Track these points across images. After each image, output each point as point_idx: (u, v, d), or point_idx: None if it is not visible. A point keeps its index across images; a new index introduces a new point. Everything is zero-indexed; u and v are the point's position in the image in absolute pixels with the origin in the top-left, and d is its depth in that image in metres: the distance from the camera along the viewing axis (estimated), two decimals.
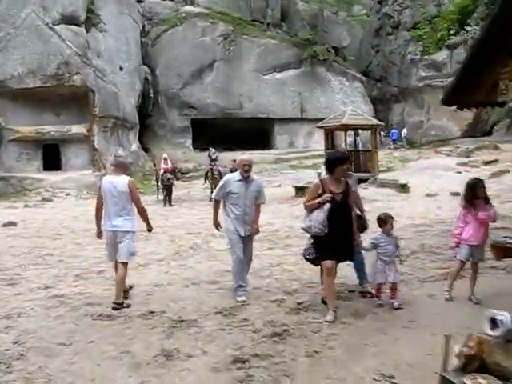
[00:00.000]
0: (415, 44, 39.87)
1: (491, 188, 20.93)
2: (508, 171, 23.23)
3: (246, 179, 6.71)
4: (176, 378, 4.37)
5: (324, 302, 6.05)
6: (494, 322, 3.10)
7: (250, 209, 6.74)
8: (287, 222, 14.07)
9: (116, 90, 30.05)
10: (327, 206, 5.62)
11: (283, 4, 41.55)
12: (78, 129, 28.56)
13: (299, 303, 6.18)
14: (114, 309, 6.30)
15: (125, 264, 6.81)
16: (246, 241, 6.86)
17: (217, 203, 7.02)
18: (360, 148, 25.25)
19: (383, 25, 45.33)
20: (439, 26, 37.71)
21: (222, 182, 6.93)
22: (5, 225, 16.05)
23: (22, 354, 4.95)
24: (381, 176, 22.09)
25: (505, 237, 6.63)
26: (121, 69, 31.47)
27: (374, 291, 6.39)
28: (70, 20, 28.34)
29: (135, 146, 32.64)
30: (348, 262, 6.41)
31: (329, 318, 5.60)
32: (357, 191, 6.96)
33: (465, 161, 30.68)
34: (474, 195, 6.34)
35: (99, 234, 7.06)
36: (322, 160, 31.74)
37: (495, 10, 7.14)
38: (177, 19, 37.39)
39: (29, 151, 28.57)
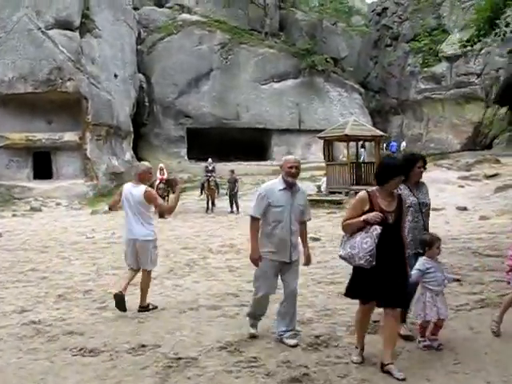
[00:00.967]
0: (415, 56, 39.31)
1: (498, 203, 20.39)
2: None
3: (291, 187, 5.26)
4: None
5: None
6: None
7: (295, 227, 5.27)
8: None
9: (110, 97, 29.20)
10: (377, 229, 4.33)
11: (281, 13, 40.97)
12: (70, 136, 27.68)
13: (317, 336, 5.24)
14: (139, 311, 6.50)
15: (149, 272, 6.82)
16: (290, 268, 5.31)
17: (256, 223, 5.24)
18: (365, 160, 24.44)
19: (382, 36, 44.86)
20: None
21: (260, 192, 5.32)
22: None
23: None
24: None
25: None
26: (115, 76, 30.65)
27: (408, 331, 5.31)
28: (63, 25, 27.55)
29: (129, 155, 31.75)
30: None
31: (356, 358, 4.64)
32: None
33: (466, 174, 29.98)
34: None
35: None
36: (320, 172, 31.08)
37: None
38: (173, 27, 36.67)
39: (19, 159, 27.68)
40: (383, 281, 4.43)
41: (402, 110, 41.24)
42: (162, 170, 21.22)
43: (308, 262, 5.57)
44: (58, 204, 25.51)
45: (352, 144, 22.27)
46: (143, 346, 5.09)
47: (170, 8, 39.62)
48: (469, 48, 35.08)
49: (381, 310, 4.70)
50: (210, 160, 22.04)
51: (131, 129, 32.20)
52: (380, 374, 4.26)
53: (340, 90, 39.12)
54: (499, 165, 31.47)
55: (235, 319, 6.01)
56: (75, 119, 27.83)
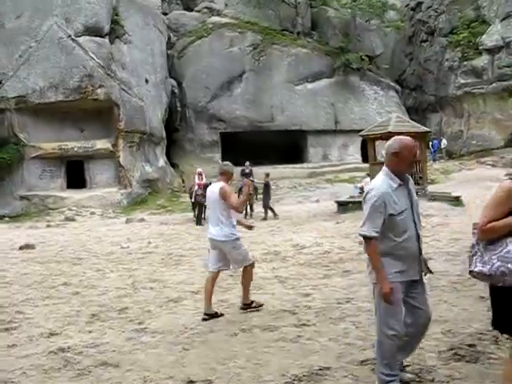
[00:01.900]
0: (453, 50, 37.80)
1: None
2: None
3: (405, 181, 3.98)
4: None
5: None
6: None
7: (420, 229, 4.02)
8: (337, 242, 12.20)
9: (142, 103, 28.68)
10: None
11: (313, 12, 39.98)
12: (102, 144, 27.22)
13: (405, 366, 4.24)
14: (242, 309, 6.45)
15: (243, 269, 6.61)
16: (418, 286, 3.99)
17: (374, 244, 3.82)
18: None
19: (417, 32, 43.53)
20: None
21: (373, 201, 3.83)
22: (21, 247, 14.62)
23: None
24: (429, 188, 20.08)
25: None
26: (146, 81, 30.13)
27: None
28: (93, 31, 27.10)
29: (162, 161, 31.19)
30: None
31: None
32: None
33: None
34: None
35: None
36: (359, 174, 29.97)
37: None
38: (203, 30, 36.07)
39: (52, 168, 27.34)
40: None
41: (440, 107, 39.78)
42: (200, 174, 20.34)
43: (429, 270, 4.12)
44: (92, 213, 25.02)
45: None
46: (191, 381, 4.18)
47: (198, 11, 39.07)
48: (511, 38, 34.01)
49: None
50: (247, 163, 21.17)
51: (164, 135, 31.65)
52: None
53: (376, 88, 37.91)
54: None
55: (298, 344, 5.05)
56: (107, 126, 27.38)
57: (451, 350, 4.51)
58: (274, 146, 33.75)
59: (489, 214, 3.29)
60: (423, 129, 19.48)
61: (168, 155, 32.83)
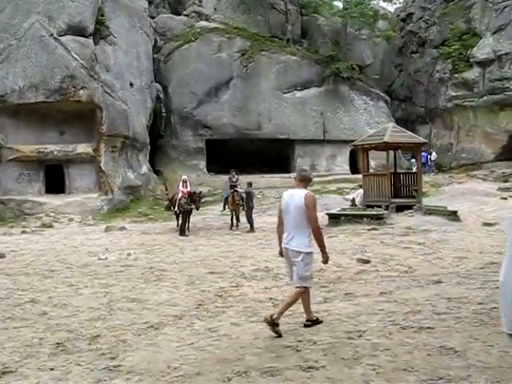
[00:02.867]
0: (444, 62, 37.31)
1: None
2: None
3: None
4: None
5: None
6: None
7: None
8: (332, 258, 11.28)
9: (125, 107, 27.60)
10: None
11: (303, 20, 39.36)
12: (83, 148, 26.13)
13: None
14: (265, 321, 5.75)
15: (297, 288, 6.03)
16: None
17: None
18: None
19: (407, 43, 43.02)
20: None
21: None
22: None
23: None
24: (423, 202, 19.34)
25: None
26: (131, 85, 29.11)
27: None
28: (76, 31, 26.06)
29: (146, 167, 30.13)
30: None
31: None
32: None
33: (507, 185, 28.08)
34: None
35: (280, 253, 6.53)
36: (347, 185, 29.23)
37: None
38: (191, 34, 35.17)
39: (30, 172, 26.21)
40: None
41: (430, 119, 39.23)
42: (185, 182, 19.32)
43: None
44: (70, 220, 23.91)
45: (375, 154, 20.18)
46: None
47: (187, 16, 38.24)
48: (503, 51, 33.59)
49: None
50: (233, 172, 20.16)
51: (148, 140, 30.61)
52: None
53: (366, 98, 37.28)
54: None
55: None
56: (89, 130, 26.32)
57: None
58: (261, 155, 32.91)
59: None
60: (420, 139, 18.72)
61: (151, 162, 31.79)
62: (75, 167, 26.58)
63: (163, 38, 36.37)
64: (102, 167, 26.22)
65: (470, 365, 4.32)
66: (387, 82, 43.42)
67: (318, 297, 7.71)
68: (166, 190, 29.79)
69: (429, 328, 5.54)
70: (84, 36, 26.31)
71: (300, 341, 5.37)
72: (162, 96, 33.47)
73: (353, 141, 33.27)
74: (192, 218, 19.21)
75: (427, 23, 40.68)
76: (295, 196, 6.18)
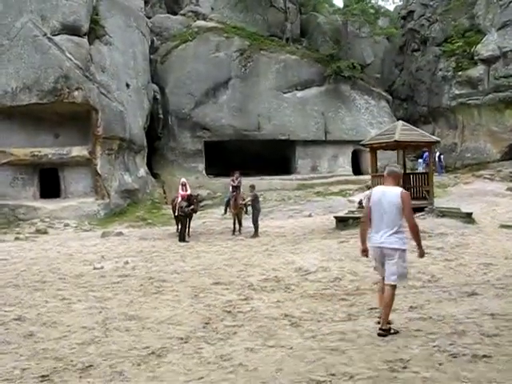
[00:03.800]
0: (447, 60, 36.52)
1: None
2: None
3: None
4: None
5: None
6: None
7: None
8: (346, 266, 10.51)
9: (122, 108, 26.74)
10: None
11: (303, 18, 38.57)
12: (78, 151, 25.29)
13: None
14: (379, 335, 5.60)
15: (392, 286, 5.94)
16: None
17: None
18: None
19: (408, 41, 42.24)
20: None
21: None
22: None
23: None
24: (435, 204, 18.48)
25: None
26: (127, 86, 28.25)
27: None
28: (70, 30, 25.14)
29: (143, 170, 29.28)
30: None
31: None
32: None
33: None
34: None
35: (363, 252, 6.37)
36: (350, 186, 28.41)
37: None
38: (188, 34, 34.35)
39: (24, 176, 25.36)
40: None
41: (433, 118, 38.40)
42: (184, 185, 18.45)
43: None
44: (66, 225, 23.06)
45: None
46: None
47: (183, 15, 37.46)
48: (509, 48, 32.81)
49: None
50: (237, 174, 19.26)
51: (145, 142, 29.77)
52: None
53: (367, 97, 36.53)
54: None
55: None
56: (84, 132, 25.48)
57: None
58: (261, 157, 32.14)
59: None
60: (432, 138, 17.86)
61: (149, 164, 30.94)
62: (70, 171, 25.76)
63: (160, 38, 35.60)
64: (98, 170, 25.39)
65: None
66: (388, 82, 42.66)
67: (339, 312, 6.86)
68: (165, 193, 29.03)
69: (485, 357, 4.67)
70: (78, 36, 25.41)
71: (333, 374, 4.46)
72: (159, 97, 32.66)
73: (355, 141, 32.89)
74: (192, 222, 18.35)
75: (429, 20, 39.91)
76: (389, 193, 6.04)
